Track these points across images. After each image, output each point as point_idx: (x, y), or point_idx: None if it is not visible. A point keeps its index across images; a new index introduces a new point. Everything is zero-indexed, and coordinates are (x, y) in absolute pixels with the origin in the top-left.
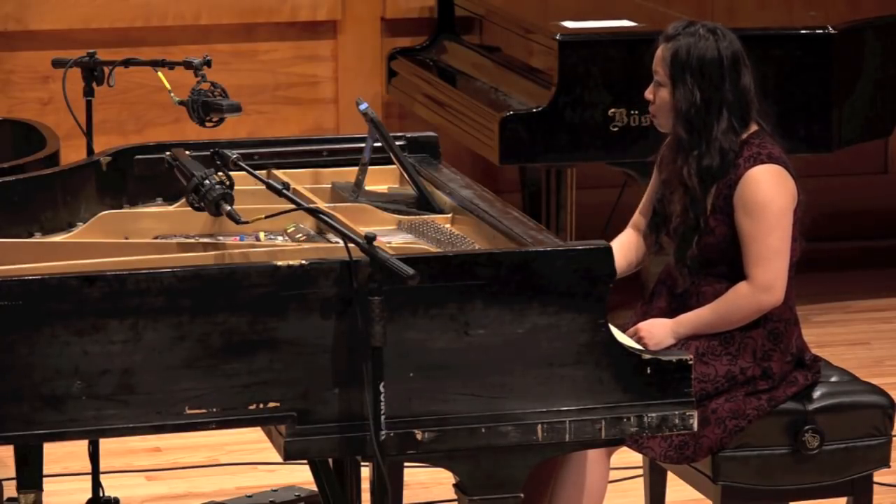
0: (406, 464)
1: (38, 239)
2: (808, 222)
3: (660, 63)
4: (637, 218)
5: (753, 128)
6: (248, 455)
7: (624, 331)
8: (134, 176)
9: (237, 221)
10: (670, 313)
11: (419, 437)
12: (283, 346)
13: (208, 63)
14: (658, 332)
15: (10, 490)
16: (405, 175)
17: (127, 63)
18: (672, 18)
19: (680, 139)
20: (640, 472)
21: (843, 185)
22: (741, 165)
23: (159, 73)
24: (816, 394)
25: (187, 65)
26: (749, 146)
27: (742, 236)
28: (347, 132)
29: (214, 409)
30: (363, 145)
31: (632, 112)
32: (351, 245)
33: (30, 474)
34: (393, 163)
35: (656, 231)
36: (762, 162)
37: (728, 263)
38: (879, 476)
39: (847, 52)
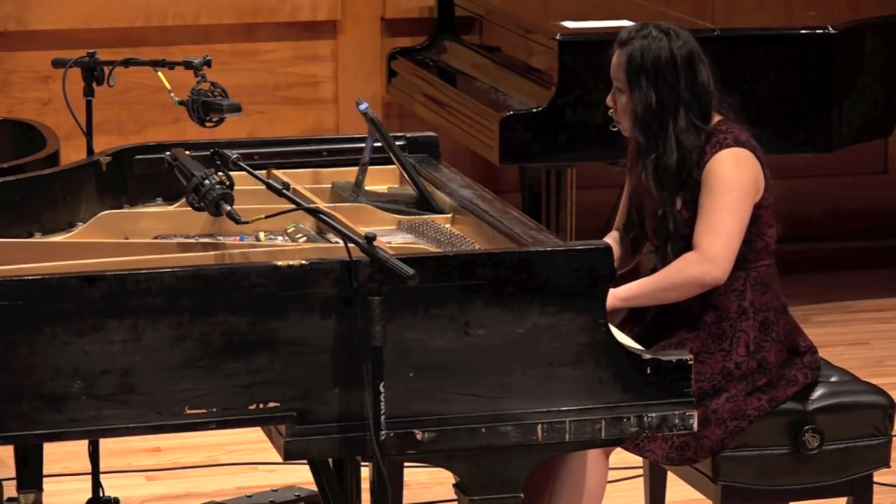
0: (406, 464)
1: (38, 239)
2: (797, 215)
3: (617, 69)
4: (618, 220)
5: (717, 118)
6: (248, 455)
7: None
8: (134, 176)
9: (237, 221)
10: (659, 310)
11: (419, 437)
12: (283, 346)
13: (208, 63)
14: None
15: (10, 490)
16: (405, 175)
17: (127, 63)
18: (672, 19)
19: (638, 143)
20: (640, 472)
21: (843, 185)
22: (708, 153)
23: (159, 73)
24: (816, 394)
25: (187, 65)
26: (717, 133)
27: (699, 211)
28: (347, 132)
29: (214, 409)
30: (363, 145)
31: None
32: (351, 245)
33: (30, 474)
34: (393, 163)
35: (630, 235)
36: (728, 146)
37: None
38: (879, 476)
39: (847, 52)
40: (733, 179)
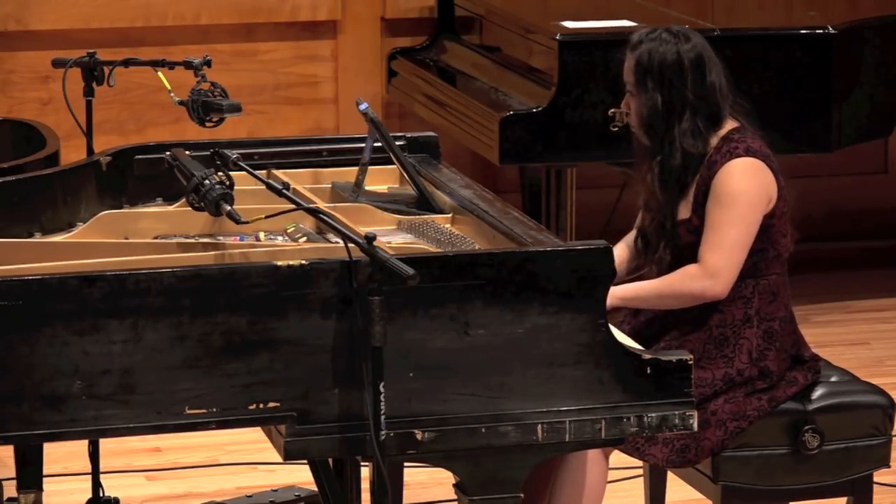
0: (406, 464)
1: (38, 239)
2: (797, 215)
3: (627, 73)
4: (638, 220)
5: (731, 125)
6: (248, 455)
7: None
8: (134, 176)
9: (237, 221)
10: (660, 315)
11: (419, 437)
12: (283, 346)
13: (208, 63)
14: None
15: (10, 490)
16: (405, 175)
17: (127, 63)
18: (672, 19)
19: (644, 146)
20: (640, 472)
21: (843, 185)
22: (718, 161)
23: (159, 73)
24: (816, 394)
25: (187, 65)
26: (729, 142)
27: (706, 223)
28: (347, 132)
29: (214, 409)
30: (363, 145)
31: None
32: (351, 245)
33: (30, 474)
34: (393, 163)
35: (644, 247)
36: (739, 156)
37: None
38: (879, 476)
39: (847, 52)
40: (740, 192)
